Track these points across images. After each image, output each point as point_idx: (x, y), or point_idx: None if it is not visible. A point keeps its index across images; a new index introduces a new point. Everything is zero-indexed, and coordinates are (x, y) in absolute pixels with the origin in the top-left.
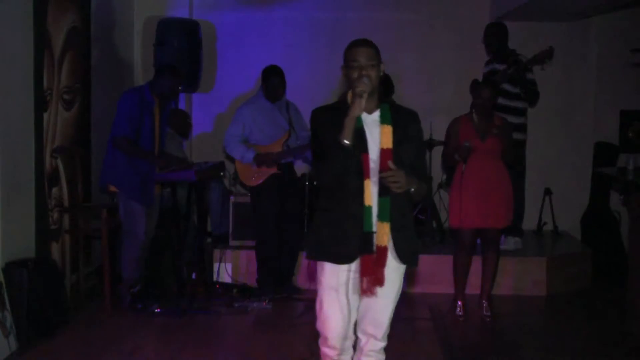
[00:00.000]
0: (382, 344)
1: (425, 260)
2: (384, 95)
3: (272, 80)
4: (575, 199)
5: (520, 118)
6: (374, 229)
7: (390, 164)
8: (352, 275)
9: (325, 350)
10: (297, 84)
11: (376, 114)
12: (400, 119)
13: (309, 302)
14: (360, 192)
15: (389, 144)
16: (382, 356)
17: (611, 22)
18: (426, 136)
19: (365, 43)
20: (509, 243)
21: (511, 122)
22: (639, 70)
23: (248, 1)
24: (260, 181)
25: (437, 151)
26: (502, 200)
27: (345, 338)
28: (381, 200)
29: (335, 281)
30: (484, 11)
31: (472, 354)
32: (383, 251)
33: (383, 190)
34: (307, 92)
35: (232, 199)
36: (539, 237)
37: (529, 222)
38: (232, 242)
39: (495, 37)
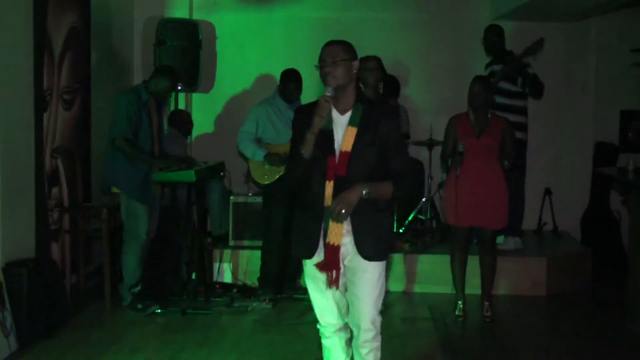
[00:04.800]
0: (371, 333)
1: (425, 260)
2: (384, 94)
3: (290, 85)
4: (575, 199)
5: (520, 117)
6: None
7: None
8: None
9: (320, 329)
10: None
11: (348, 115)
12: (373, 118)
13: (309, 302)
14: (322, 192)
15: (348, 147)
16: (376, 343)
17: (611, 22)
18: (426, 136)
19: (331, 42)
20: (509, 243)
21: (511, 120)
22: (639, 70)
23: (248, 1)
24: (272, 180)
25: (437, 151)
26: (497, 200)
27: (334, 316)
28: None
29: (312, 270)
30: (484, 11)
31: (472, 354)
32: (334, 249)
33: (337, 192)
34: (307, 92)
35: (232, 199)
36: (539, 237)
37: (529, 222)
38: (232, 242)
39: (492, 38)
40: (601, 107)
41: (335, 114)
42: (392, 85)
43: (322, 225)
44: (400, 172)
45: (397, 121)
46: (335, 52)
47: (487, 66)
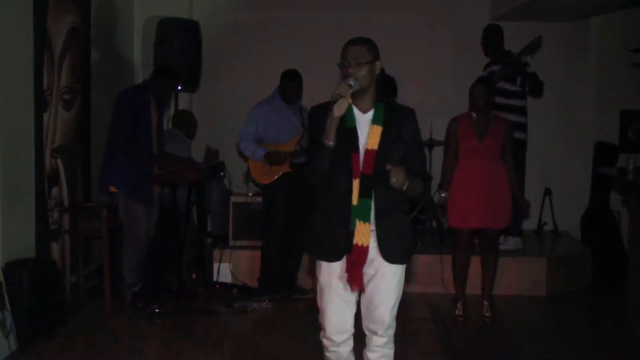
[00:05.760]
0: (385, 339)
1: (425, 260)
2: (382, 94)
3: (289, 85)
4: (575, 199)
5: (520, 117)
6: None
7: (389, 166)
8: (344, 272)
9: (324, 341)
10: None
11: (370, 114)
12: (395, 118)
13: (309, 302)
14: (348, 191)
15: (374, 144)
16: (388, 350)
17: (611, 22)
18: (426, 136)
19: (355, 41)
20: (509, 243)
21: (511, 120)
22: (639, 70)
23: (248, 1)
24: (272, 180)
25: (437, 151)
26: (500, 201)
27: (342, 331)
28: (362, 201)
29: (329, 278)
30: (483, 11)
31: (472, 354)
32: (362, 250)
33: (364, 191)
34: (307, 92)
35: (232, 199)
36: (539, 237)
37: (529, 222)
38: (232, 242)
39: (490, 39)
40: (601, 107)
41: (356, 112)
42: (389, 85)
43: (350, 226)
44: (422, 173)
45: (418, 123)
46: (360, 53)
47: (486, 67)
